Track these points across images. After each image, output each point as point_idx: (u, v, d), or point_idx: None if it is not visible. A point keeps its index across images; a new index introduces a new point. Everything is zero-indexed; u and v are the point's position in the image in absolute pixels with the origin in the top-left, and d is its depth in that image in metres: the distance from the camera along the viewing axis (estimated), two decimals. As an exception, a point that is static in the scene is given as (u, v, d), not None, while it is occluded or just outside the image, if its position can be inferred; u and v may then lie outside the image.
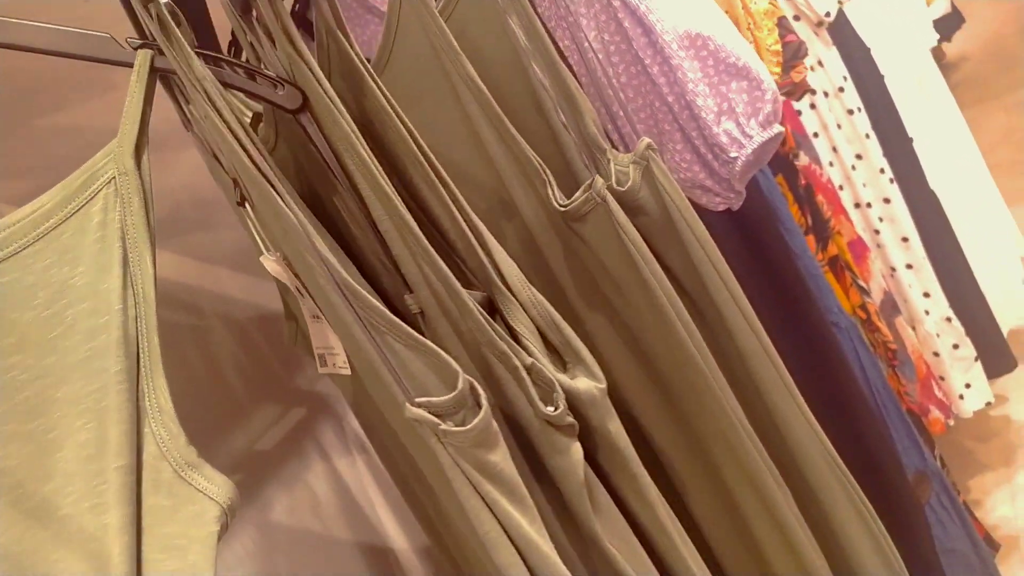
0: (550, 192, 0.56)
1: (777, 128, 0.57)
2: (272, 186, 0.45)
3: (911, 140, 1.34)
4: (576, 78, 0.66)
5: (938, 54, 3.21)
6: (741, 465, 0.60)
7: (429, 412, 0.44)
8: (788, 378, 0.62)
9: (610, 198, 0.55)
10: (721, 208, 0.65)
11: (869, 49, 1.29)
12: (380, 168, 0.49)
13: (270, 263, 0.52)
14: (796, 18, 1.16)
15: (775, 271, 0.92)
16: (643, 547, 0.53)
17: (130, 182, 0.44)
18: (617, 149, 0.60)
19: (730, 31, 0.58)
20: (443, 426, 0.44)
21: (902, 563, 0.65)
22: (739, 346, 0.60)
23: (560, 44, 0.65)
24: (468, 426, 0.44)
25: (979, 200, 1.66)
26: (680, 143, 0.61)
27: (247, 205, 0.51)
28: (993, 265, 1.62)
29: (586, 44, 0.61)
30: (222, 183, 0.58)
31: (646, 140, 0.55)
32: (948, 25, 2.99)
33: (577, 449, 0.50)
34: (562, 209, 0.55)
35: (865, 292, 1.13)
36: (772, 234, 0.92)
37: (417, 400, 0.45)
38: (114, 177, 0.44)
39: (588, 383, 0.51)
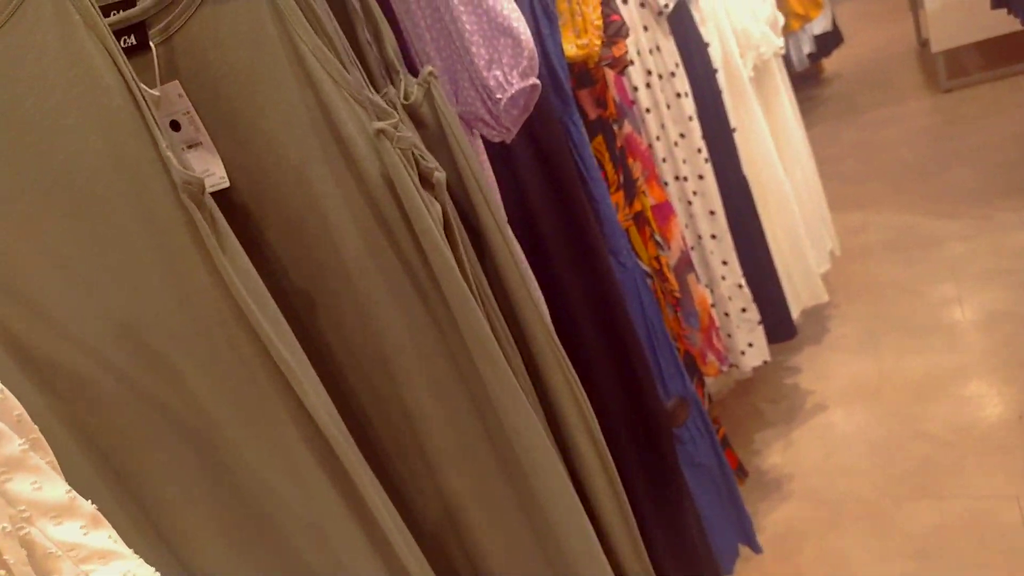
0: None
1: (532, 80, 0.75)
2: None
3: (733, 129, 1.58)
4: (398, 21, 0.82)
5: (817, 68, 3.51)
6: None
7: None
8: (524, 263, 0.82)
9: (399, 106, 0.71)
10: (496, 140, 0.83)
11: (707, 44, 1.50)
12: None
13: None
14: (642, 5, 1.35)
15: (569, 207, 1.12)
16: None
17: None
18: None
19: (504, -2, 0.74)
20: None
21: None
22: (488, 242, 0.79)
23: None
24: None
25: (799, 195, 1.93)
26: (467, 82, 0.78)
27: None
28: (800, 253, 1.92)
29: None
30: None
31: (429, 68, 0.71)
32: (828, 42, 3.27)
33: None
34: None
35: (661, 247, 1.36)
36: (573, 177, 1.12)
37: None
38: None
39: None
